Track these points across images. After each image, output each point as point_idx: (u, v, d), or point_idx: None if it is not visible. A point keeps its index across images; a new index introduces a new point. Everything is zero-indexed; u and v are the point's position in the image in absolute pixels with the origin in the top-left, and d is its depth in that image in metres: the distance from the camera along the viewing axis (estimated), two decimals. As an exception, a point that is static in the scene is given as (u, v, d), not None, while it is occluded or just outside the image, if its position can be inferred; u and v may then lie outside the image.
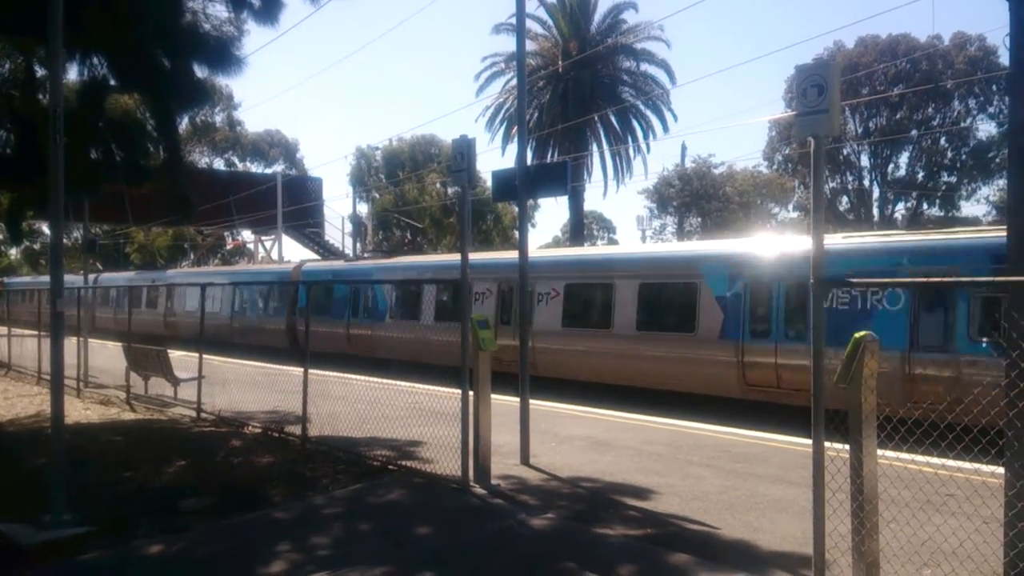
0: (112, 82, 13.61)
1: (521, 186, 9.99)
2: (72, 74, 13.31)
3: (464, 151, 8.73)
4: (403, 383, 15.01)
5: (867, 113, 48.72)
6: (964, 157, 48.92)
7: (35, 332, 19.36)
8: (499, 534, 7.04)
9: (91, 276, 40.58)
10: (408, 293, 22.67)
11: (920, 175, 50.39)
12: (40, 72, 13.85)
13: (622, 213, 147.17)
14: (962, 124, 47.61)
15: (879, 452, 5.36)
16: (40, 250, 67.23)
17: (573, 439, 11.33)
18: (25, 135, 13.37)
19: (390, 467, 9.56)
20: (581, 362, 17.83)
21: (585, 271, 18.77)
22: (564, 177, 10.05)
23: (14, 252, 71.00)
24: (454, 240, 59.70)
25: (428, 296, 21.82)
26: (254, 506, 8.07)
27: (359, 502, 8.17)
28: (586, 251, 24.40)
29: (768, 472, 9.20)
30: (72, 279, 26.76)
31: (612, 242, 72.06)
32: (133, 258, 61.93)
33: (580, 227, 45.75)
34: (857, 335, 5.28)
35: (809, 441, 11.06)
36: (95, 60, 13.05)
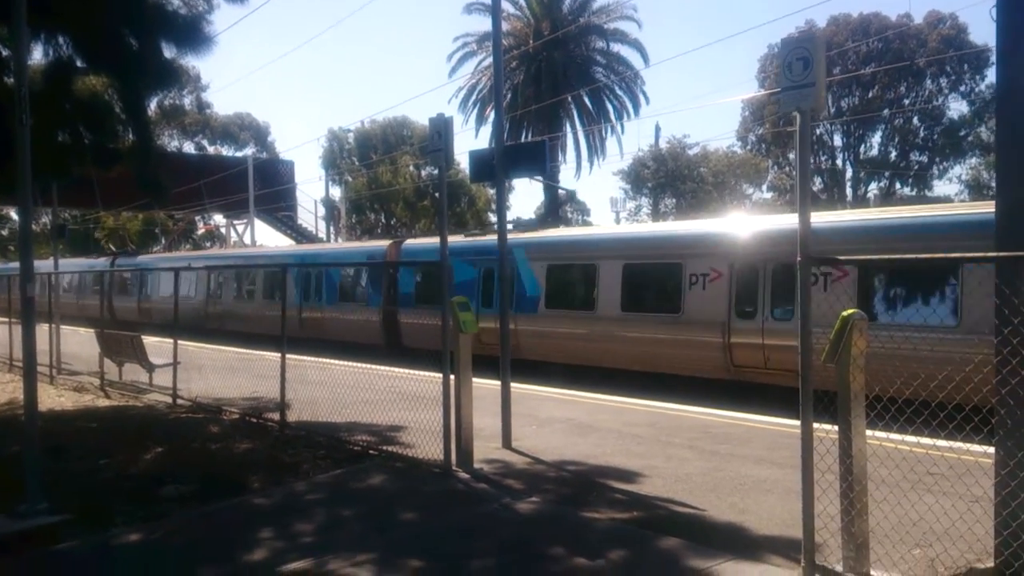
0: (79, 63, 13.27)
1: (499, 166, 9.85)
2: (37, 54, 12.98)
3: (441, 130, 8.58)
4: (381, 367, 14.89)
5: (839, 92, 48.92)
6: (936, 136, 49.35)
7: (5, 319, 19.02)
8: (484, 518, 6.96)
9: (103, 260, 39.51)
10: (583, 275, 17.24)
11: (893, 154, 50.76)
12: (5, 53, 13.47)
13: (596, 195, 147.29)
14: (934, 103, 47.98)
15: (867, 432, 5.33)
16: (9, 236, 66.12)
17: (554, 422, 11.27)
18: (-11, 118, 13.00)
19: (371, 452, 9.45)
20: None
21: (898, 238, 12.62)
22: (542, 156, 9.94)
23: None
24: (428, 223, 59.44)
25: (609, 279, 16.48)
26: (234, 492, 7.95)
27: (341, 487, 8.06)
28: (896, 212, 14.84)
29: (751, 453, 9.19)
30: (46, 264, 25.81)
31: (586, 224, 71.85)
32: (104, 243, 61.08)
33: (556, 208, 45.72)
34: (844, 313, 5.24)
35: (791, 421, 11.09)
36: (60, 40, 12.72)
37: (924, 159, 50.53)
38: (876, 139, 51.24)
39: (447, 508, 7.31)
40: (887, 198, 48.85)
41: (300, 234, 46.81)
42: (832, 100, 49.45)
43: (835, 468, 5.37)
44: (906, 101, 48.67)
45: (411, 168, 60.59)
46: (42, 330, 15.43)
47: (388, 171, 58.65)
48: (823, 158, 51.91)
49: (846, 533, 5.25)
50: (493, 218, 65.77)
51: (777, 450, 9.27)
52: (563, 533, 6.53)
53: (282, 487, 8.12)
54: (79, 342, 18.15)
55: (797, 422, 10.68)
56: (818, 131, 49.81)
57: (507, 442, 9.77)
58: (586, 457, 9.15)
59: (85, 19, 11.47)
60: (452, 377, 8.64)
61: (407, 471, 8.58)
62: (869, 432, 5.35)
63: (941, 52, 44.59)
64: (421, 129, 62.32)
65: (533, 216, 73.39)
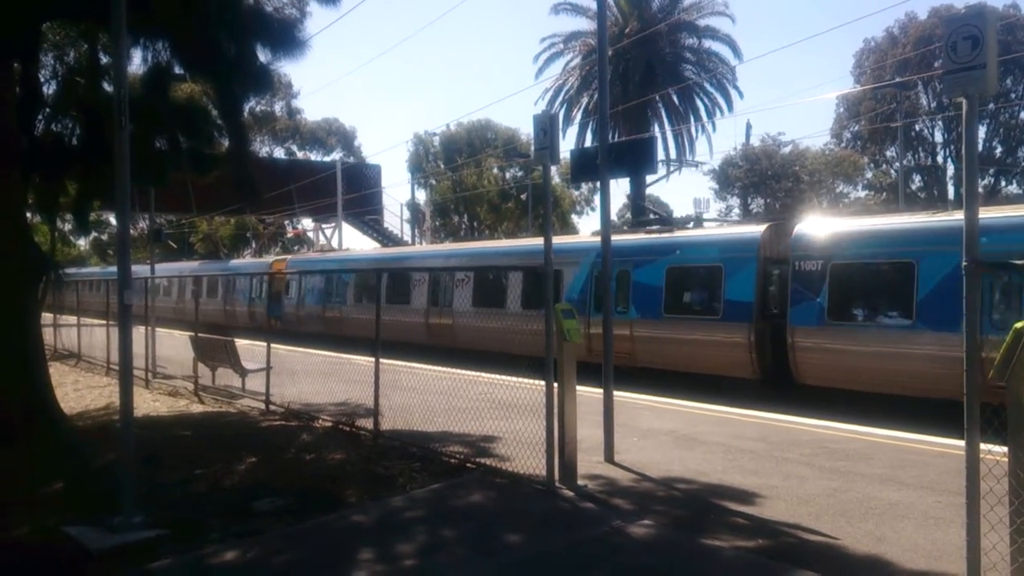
0: (177, 69, 13.32)
1: (603, 164, 9.32)
2: (136, 60, 13.06)
3: (547, 127, 8.10)
4: (473, 372, 14.58)
5: (940, 87, 46.71)
6: (1045, 131, 46.79)
7: (103, 322, 19.37)
8: (595, 543, 6.47)
9: (208, 264, 39.85)
10: None
11: (998, 150, 48.33)
12: (105, 60, 13.61)
13: (681, 195, 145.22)
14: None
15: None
16: (108, 241, 68.40)
17: (656, 433, 10.73)
18: (90, 124, 13.16)
19: (468, 464, 9.07)
20: None
21: None
22: (650, 154, 9.38)
23: (83, 243, 72.32)
24: (511, 226, 59.23)
25: None
26: (330, 507, 7.65)
27: (440, 504, 7.69)
28: None
29: (875, 471, 8.50)
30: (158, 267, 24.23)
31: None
32: (198, 247, 62.72)
33: (641, 210, 44.79)
34: (1018, 324, 4.61)
35: (911, 435, 10.29)
36: (159, 46, 12.76)
37: (1032, 155, 47.98)
38: (980, 134, 48.81)
39: (555, 530, 6.85)
40: (991, 196, 46.52)
41: (386, 237, 47.15)
42: (932, 95, 47.32)
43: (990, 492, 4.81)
44: (1012, 95, 46.24)
45: (495, 171, 60.52)
46: (138, 333, 15.61)
47: (473, 174, 58.69)
48: (922, 155, 49.78)
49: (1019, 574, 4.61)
50: (576, 220, 65.24)
51: (903, 468, 8.58)
52: (685, 563, 6.00)
53: (379, 502, 7.77)
54: (173, 346, 18.33)
55: (918, 436, 9.99)
56: (917, 127, 47.78)
57: (610, 456, 9.28)
58: (696, 474, 8.59)
59: (182, 22, 11.41)
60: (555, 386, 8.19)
61: (508, 487, 8.16)
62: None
63: (1050, 42, 42.20)
64: (505, 131, 62.27)
65: (615, 219, 72.30)
